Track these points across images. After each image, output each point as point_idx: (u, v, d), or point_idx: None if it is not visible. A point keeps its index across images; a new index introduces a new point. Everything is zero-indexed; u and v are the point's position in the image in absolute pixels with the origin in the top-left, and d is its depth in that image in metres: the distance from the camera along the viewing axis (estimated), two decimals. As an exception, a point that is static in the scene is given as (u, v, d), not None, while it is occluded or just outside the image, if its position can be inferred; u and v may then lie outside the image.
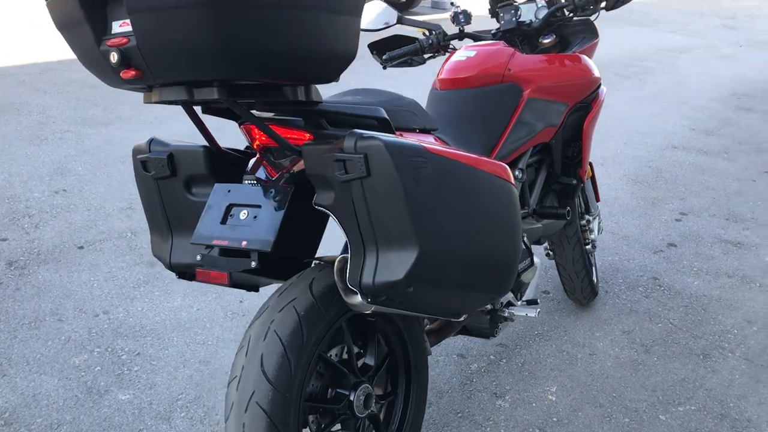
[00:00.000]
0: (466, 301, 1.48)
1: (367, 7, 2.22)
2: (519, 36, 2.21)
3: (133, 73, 1.16)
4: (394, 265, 1.25)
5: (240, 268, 1.38)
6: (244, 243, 1.36)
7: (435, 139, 1.70)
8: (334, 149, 1.26)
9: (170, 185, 1.51)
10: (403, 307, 1.36)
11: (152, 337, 2.39)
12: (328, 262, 1.43)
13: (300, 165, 1.43)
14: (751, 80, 7.44)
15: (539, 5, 2.19)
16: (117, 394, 2.10)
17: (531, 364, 2.36)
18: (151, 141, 1.52)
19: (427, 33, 2.23)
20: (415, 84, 4.52)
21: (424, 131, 1.69)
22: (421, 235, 1.24)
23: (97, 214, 3.24)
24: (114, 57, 1.14)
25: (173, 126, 4.39)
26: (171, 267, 1.55)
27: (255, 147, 1.51)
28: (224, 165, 1.51)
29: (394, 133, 1.52)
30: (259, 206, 1.39)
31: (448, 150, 1.34)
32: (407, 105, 1.65)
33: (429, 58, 2.28)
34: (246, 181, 1.47)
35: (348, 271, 1.32)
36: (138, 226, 3.14)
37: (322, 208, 1.34)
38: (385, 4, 2.23)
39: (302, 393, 1.34)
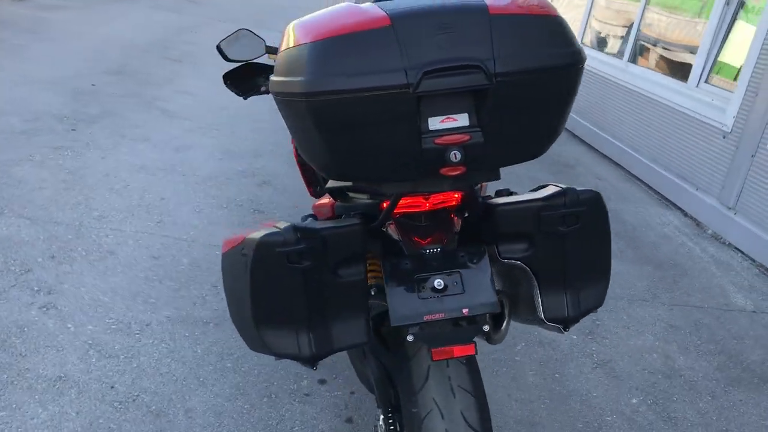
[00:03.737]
0: None
1: (234, 37, 2.10)
2: None
3: (461, 170, 1.15)
4: (595, 294, 1.41)
5: (475, 336, 1.37)
6: (465, 311, 1.31)
7: None
8: (546, 207, 1.34)
9: (317, 272, 1.29)
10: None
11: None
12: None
13: (457, 226, 1.47)
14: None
15: None
16: None
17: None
18: (295, 229, 1.25)
19: None
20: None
21: None
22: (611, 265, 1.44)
23: None
24: (456, 156, 1.13)
25: None
26: (312, 359, 1.31)
27: (393, 216, 1.46)
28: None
29: None
30: (457, 272, 1.35)
31: None
32: None
33: None
34: (427, 251, 1.39)
35: (542, 309, 1.38)
36: None
37: (510, 260, 1.38)
38: (252, 34, 2.10)
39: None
